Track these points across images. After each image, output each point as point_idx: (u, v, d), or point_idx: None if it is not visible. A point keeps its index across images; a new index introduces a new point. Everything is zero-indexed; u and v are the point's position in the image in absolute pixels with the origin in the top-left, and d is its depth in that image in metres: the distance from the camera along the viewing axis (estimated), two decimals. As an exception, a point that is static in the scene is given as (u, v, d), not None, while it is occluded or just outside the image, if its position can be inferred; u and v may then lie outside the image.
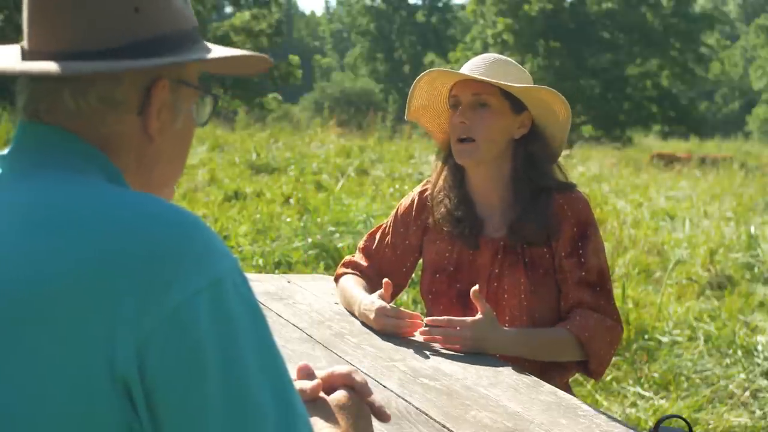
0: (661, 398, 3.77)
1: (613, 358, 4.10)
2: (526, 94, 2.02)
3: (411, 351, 1.89)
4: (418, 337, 1.98)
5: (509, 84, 1.99)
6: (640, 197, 9.84)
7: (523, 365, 1.92)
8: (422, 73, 2.09)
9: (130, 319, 0.77)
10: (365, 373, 1.69)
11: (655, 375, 4.00)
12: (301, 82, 30.64)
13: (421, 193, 2.23)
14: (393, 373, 1.73)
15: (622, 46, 30.45)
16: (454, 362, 1.83)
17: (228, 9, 31.88)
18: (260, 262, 5.30)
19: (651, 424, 3.21)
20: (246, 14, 26.50)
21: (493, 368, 1.80)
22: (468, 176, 2.14)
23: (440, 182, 2.18)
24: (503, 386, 1.68)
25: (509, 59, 2.11)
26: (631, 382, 3.93)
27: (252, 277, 2.63)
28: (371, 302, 2.02)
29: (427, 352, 1.88)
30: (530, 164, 2.06)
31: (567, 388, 2.08)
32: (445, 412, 1.52)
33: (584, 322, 1.98)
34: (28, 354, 0.77)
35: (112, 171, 0.93)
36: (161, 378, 0.78)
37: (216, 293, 0.81)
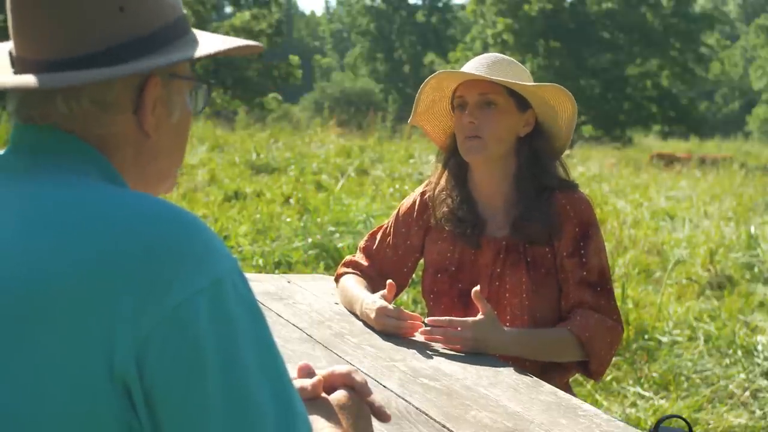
0: (661, 398, 3.77)
1: (614, 358, 4.11)
2: (535, 92, 2.02)
3: (411, 351, 1.88)
4: (419, 337, 1.98)
5: (522, 83, 2.00)
6: (640, 197, 9.84)
7: (523, 365, 1.92)
8: (430, 76, 2.09)
9: (129, 318, 0.77)
10: (365, 373, 1.69)
11: (655, 375, 4.00)
12: (301, 82, 30.65)
13: (423, 193, 2.23)
14: (393, 373, 1.72)
15: (622, 46, 30.43)
16: (454, 362, 1.82)
17: (228, 9, 31.89)
18: (260, 262, 5.30)
19: (651, 424, 3.21)
20: (246, 14, 26.51)
21: (493, 368, 1.80)
22: (472, 175, 2.15)
23: (442, 182, 2.18)
24: (503, 386, 1.68)
25: (510, 58, 2.12)
26: (631, 382, 3.93)
27: (252, 277, 2.63)
28: (373, 302, 2.02)
29: (428, 352, 1.88)
30: (534, 161, 2.07)
31: (567, 388, 2.08)
32: (445, 412, 1.52)
33: (585, 322, 1.97)
34: (28, 354, 0.77)
35: (110, 171, 0.93)
36: (160, 377, 0.78)
37: (216, 293, 0.81)
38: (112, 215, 0.83)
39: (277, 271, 5.17)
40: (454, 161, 2.15)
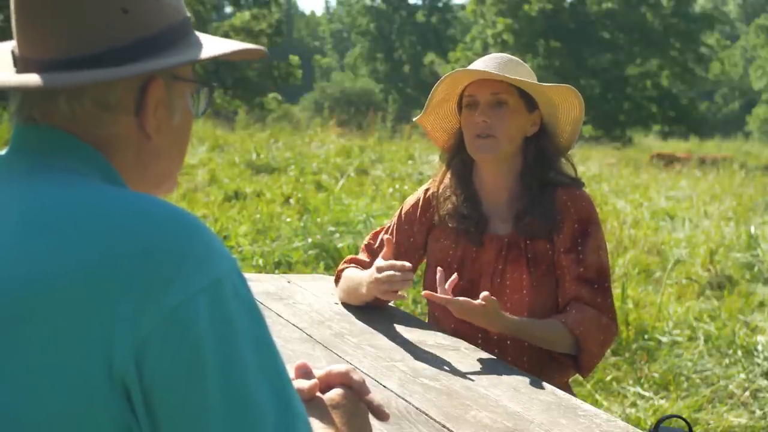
0: (661, 398, 3.77)
1: (613, 358, 4.11)
2: (545, 93, 2.04)
3: (411, 351, 1.89)
4: (419, 337, 1.98)
5: (537, 83, 2.03)
6: (640, 197, 9.84)
7: (523, 366, 1.92)
8: (446, 74, 2.09)
9: (128, 318, 0.77)
10: (365, 373, 1.69)
11: (655, 375, 4.00)
12: (301, 82, 30.67)
13: (426, 191, 2.23)
14: (393, 373, 1.73)
15: (622, 46, 30.46)
16: (454, 362, 1.82)
17: (228, 9, 31.88)
18: (260, 262, 5.30)
19: (651, 424, 3.21)
20: (246, 14, 26.52)
21: (493, 368, 1.80)
22: (478, 173, 2.15)
23: (446, 181, 2.19)
24: (503, 386, 1.68)
25: (516, 58, 2.14)
26: (631, 382, 3.93)
27: (252, 277, 2.63)
28: (370, 272, 2.01)
29: (427, 353, 1.88)
30: (540, 161, 2.09)
31: (567, 388, 2.08)
32: (445, 412, 1.52)
33: (580, 316, 1.98)
34: (27, 354, 0.77)
35: (110, 171, 0.93)
36: (159, 378, 0.78)
37: (215, 294, 0.81)
38: (112, 215, 0.83)
39: (277, 271, 5.17)
40: (458, 160, 2.16)
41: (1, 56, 0.97)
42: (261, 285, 2.44)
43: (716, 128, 37.76)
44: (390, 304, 2.25)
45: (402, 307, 2.04)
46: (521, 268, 2.05)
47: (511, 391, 1.66)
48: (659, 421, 1.72)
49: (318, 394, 1.11)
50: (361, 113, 23.00)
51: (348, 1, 49.75)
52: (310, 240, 5.70)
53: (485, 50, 29.14)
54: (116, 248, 0.80)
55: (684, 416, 2.51)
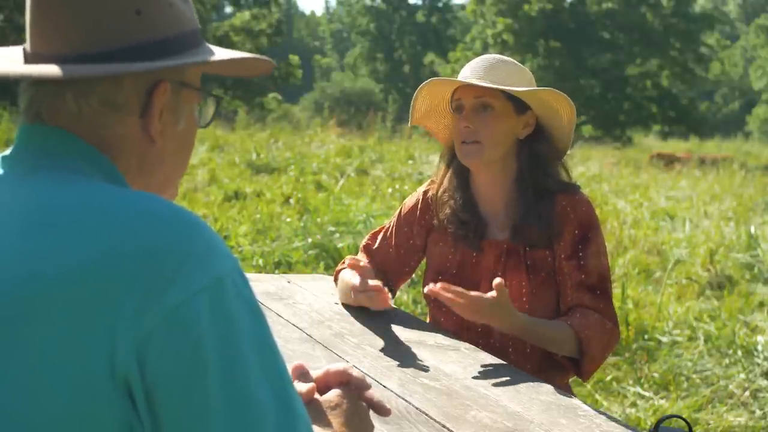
0: (661, 398, 3.77)
1: (613, 358, 4.11)
2: (530, 96, 2.01)
3: (411, 351, 1.89)
4: (419, 337, 1.98)
5: (512, 89, 1.98)
6: (640, 197, 9.84)
7: (524, 366, 1.92)
8: (423, 83, 2.09)
9: (130, 317, 0.78)
10: (365, 373, 1.69)
11: (655, 375, 4.00)
12: (301, 82, 30.64)
13: (426, 193, 2.22)
14: (393, 373, 1.73)
15: (622, 46, 30.44)
16: (454, 362, 1.82)
17: (228, 9, 31.87)
18: (260, 262, 5.30)
19: (651, 424, 3.21)
20: (246, 14, 26.50)
21: (493, 368, 1.80)
22: (473, 178, 2.14)
23: (445, 183, 2.17)
24: (503, 386, 1.68)
25: (509, 59, 2.10)
26: (631, 382, 3.93)
27: (252, 277, 2.63)
28: (354, 283, 2.05)
29: (427, 353, 1.88)
30: (535, 164, 2.06)
31: (567, 388, 2.08)
32: (445, 412, 1.52)
33: (585, 320, 1.97)
34: (29, 353, 0.78)
35: (114, 172, 0.93)
36: (161, 376, 0.78)
37: (217, 293, 0.81)
38: (114, 215, 0.83)
39: (277, 271, 5.17)
40: (457, 161, 2.14)
41: (12, 55, 0.99)
42: (261, 285, 2.44)
43: (716, 128, 37.75)
44: (390, 303, 2.24)
45: (402, 307, 2.04)
46: (521, 275, 2.04)
47: (511, 391, 1.66)
48: (659, 421, 1.72)
49: (316, 395, 1.11)
50: (361, 113, 23.00)
51: (348, 1, 49.74)
52: (310, 240, 5.70)
53: (485, 50, 29.12)
54: (118, 247, 0.80)
55: (684, 416, 2.51)
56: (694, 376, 4.01)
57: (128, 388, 0.78)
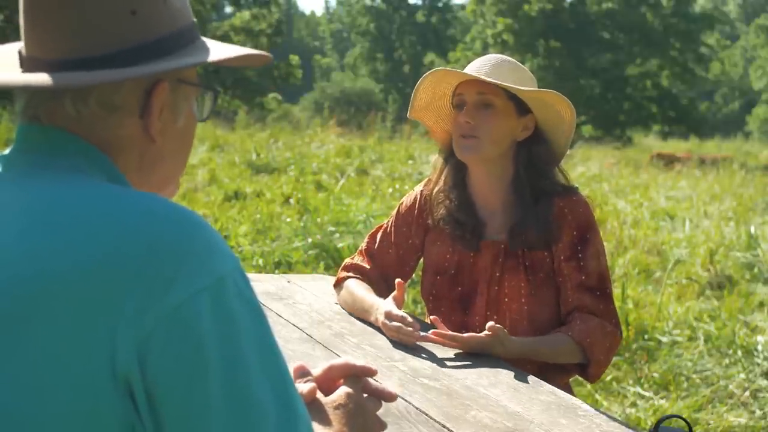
0: (661, 398, 3.77)
1: (614, 358, 4.11)
2: (532, 97, 2.01)
3: (411, 351, 1.88)
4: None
5: (516, 87, 1.99)
6: (640, 197, 9.84)
7: (523, 367, 1.92)
8: (427, 72, 2.09)
9: (131, 317, 0.78)
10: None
11: (655, 375, 4.00)
12: (301, 82, 30.62)
13: (423, 192, 2.22)
14: (393, 373, 1.73)
15: (622, 46, 30.44)
16: (454, 362, 1.83)
17: (228, 9, 31.86)
18: (260, 262, 5.30)
19: (651, 424, 3.21)
20: (246, 14, 26.49)
21: (493, 368, 1.80)
22: (469, 176, 2.14)
23: (441, 182, 2.17)
24: (503, 386, 1.68)
25: (515, 61, 2.11)
26: (631, 382, 3.93)
27: (252, 277, 2.63)
28: (384, 305, 1.99)
29: (427, 352, 1.88)
30: (532, 167, 2.06)
31: (567, 388, 2.08)
32: (445, 412, 1.52)
33: (585, 327, 1.97)
34: (30, 353, 0.78)
35: (114, 171, 0.93)
36: (162, 376, 0.78)
37: (218, 292, 0.81)
38: (115, 214, 0.83)
39: (277, 271, 5.17)
40: (454, 160, 2.14)
41: (8, 57, 0.98)
42: (261, 285, 2.44)
43: (716, 128, 37.75)
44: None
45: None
46: (519, 276, 2.04)
47: (511, 391, 1.66)
48: (659, 421, 1.72)
49: (319, 395, 1.11)
50: (361, 113, 23.00)
51: (348, 1, 49.73)
52: (310, 240, 5.70)
53: (485, 50, 29.12)
54: (119, 247, 0.80)
55: (684, 416, 2.51)
56: (694, 376, 4.01)
57: (129, 388, 0.78)
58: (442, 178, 2.17)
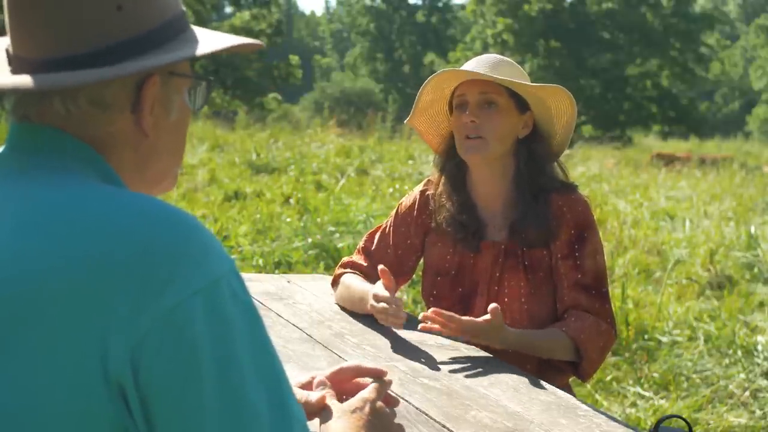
0: (661, 398, 3.77)
1: (613, 358, 4.11)
2: (536, 93, 2.02)
3: (411, 351, 1.88)
4: (419, 337, 1.98)
5: (522, 83, 2.00)
6: (640, 197, 9.83)
7: (523, 367, 1.92)
8: (432, 75, 2.08)
9: (124, 319, 0.77)
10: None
11: (655, 375, 4.00)
12: (301, 82, 30.63)
13: (423, 192, 2.21)
14: (393, 373, 1.72)
15: (622, 46, 30.44)
16: (454, 362, 1.82)
17: (228, 9, 31.86)
18: (260, 262, 5.30)
19: (651, 424, 3.21)
20: (246, 14, 26.50)
21: (493, 368, 1.80)
22: (471, 177, 2.14)
23: (441, 186, 2.17)
24: (503, 386, 1.68)
25: (509, 59, 2.12)
26: (631, 382, 3.93)
27: (252, 277, 2.63)
28: (372, 289, 2.00)
29: (427, 352, 1.88)
30: (532, 164, 2.06)
31: (567, 389, 2.08)
32: (445, 412, 1.52)
33: (580, 324, 1.97)
34: (22, 355, 0.77)
35: (107, 171, 0.92)
36: (156, 378, 0.77)
37: (212, 295, 0.80)
38: (108, 215, 0.82)
39: (277, 271, 5.16)
40: (451, 164, 2.14)
41: None
42: (261, 285, 2.44)
43: (716, 128, 37.72)
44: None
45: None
46: (519, 276, 2.04)
47: (511, 391, 1.66)
48: (659, 421, 1.72)
49: (332, 402, 1.12)
50: (361, 113, 22.97)
51: (348, 1, 49.72)
52: (310, 240, 5.70)
53: (485, 50, 29.11)
54: (112, 248, 0.79)
55: (684, 416, 2.51)
56: (694, 376, 4.01)
57: (122, 391, 0.77)
58: (442, 182, 2.17)
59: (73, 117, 0.90)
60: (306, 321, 2.09)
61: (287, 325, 2.05)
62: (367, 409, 1.11)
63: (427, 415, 1.50)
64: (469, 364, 1.81)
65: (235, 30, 25.05)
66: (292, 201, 7.35)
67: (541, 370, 2.01)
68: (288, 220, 6.43)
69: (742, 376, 3.98)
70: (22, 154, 0.90)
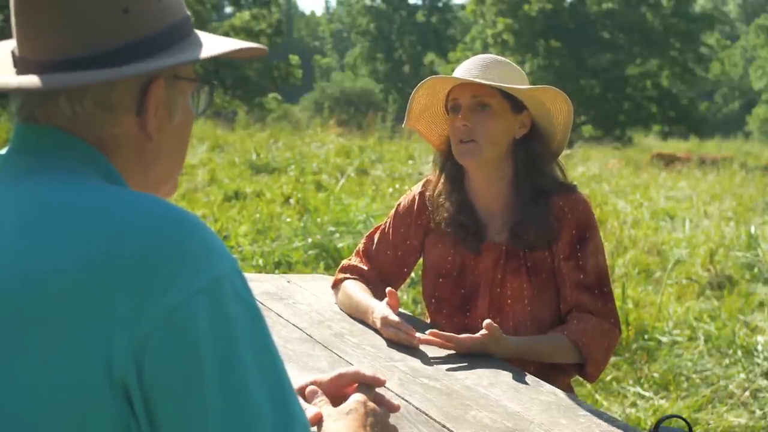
0: (661, 398, 3.77)
1: (613, 358, 4.11)
2: (528, 95, 2.01)
3: (411, 351, 1.88)
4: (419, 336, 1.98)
5: (512, 86, 1.98)
6: (640, 197, 9.83)
7: (524, 366, 1.92)
8: (421, 82, 2.07)
9: (127, 318, 0.77)
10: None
11: (655, 375, 4.00)
12: (301, 82, 30.62)
13: (422, 193, 2.21)
14: (393, 373, 1.72)
15: (622, 46, 30.43)
16: (454, 362, 1.82)
17: (228, 9, 31.85)
18: (260, 262, 5.30)
19: (651, 424, 3.21)
20: (246, 14, 26.49)
21: (493, 368, 1.80)
22: (469, 179, 2.13)
23: (439, 186, 2.16)
24: (503, 386, 1.68)
25: (503, 59, 2.10)
26: (631, 382, 3.93)
27: (252, 277, 2.63)
28: (379, 311, 1.99)
29: (427, 353, 1.88)
30: (531, 164, 2.05)
31: (567, 388, 2.08)
32: (445, 412, 1.52)
33: (582, 326, 1.97)
34: (25, 355, 0.77)
35: (111, 172, 0.92)
36: (158, 378, 0.78)
37: (214, 294, 0.81)
38: (111, 215, 0.82)
39: (277, 271, 5.16)
40: (450, 165, 2.13)
41: (2, 56, 0.97)
42: (261, 285, 2.44)
43: (716, 128, 37.74)
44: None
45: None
46: (521, 278, 2.04)
47: (511, 391, 1.66)
48: (659, 421, 1.72)
49: (327, 407, 1.13)
50: (361, 113, 22.96)
51: (348, 1, 49.72)
52: (310, 240, 5.70)
53: (485, 50, 29.10)
54: (115, 248, 0.79)
55: (684, 416, 2.51)
56: (694, 376, 4.01)
57: (125, 390, 0.78)
58: (441, 181, 2.16)
59: (79, 118, 0.91)
60: (306, 321, 2.09)
61: (287, 325, 2.05)
62: (362, 409, 1.12)
63: (427, 415, 1.50)
64: (469, 364, 1.81)
65: (235, 30, 25.07)
66: (292, 201, 7.35)
67: (544, 371, 2.00)
68: (288, 220, 6.43)
69: (742, 376, 3.98)
70: (27, 154, 0.91)
